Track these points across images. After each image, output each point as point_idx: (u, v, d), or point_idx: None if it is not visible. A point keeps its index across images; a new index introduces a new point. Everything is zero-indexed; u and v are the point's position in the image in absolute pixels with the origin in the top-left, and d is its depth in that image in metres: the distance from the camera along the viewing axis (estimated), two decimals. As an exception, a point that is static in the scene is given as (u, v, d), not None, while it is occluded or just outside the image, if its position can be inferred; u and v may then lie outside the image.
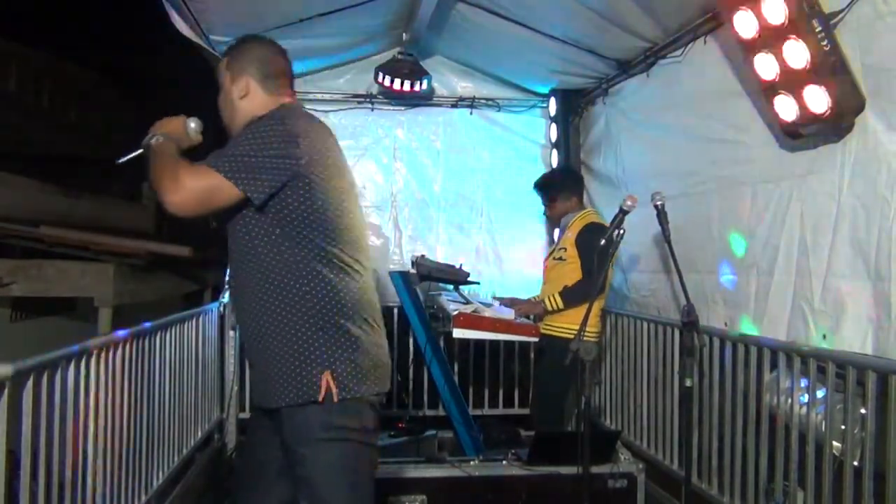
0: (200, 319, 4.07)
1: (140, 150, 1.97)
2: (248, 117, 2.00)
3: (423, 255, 4.09)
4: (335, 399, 1.84)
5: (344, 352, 1.88)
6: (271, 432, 1.98)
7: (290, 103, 2.07)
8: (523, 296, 4.13)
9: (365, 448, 1.94)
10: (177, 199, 1.78)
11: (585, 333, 2.84)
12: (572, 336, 2.80)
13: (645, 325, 3.95)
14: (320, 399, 1.84)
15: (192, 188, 1.79)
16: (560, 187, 4.05)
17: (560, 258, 3.87)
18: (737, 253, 3.27)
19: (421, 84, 4.49)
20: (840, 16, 2.48)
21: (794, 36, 2.46)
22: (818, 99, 2.47)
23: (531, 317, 3.99)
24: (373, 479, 2.02)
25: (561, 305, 3.69)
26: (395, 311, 4.70)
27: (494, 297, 4.20)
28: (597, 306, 3.69)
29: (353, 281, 1.94)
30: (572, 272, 3.73)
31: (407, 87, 4.44)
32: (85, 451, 2.46)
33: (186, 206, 1.80)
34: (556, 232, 4.81)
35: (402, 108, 5.07)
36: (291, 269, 1.88)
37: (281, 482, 2.01)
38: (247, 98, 2.05)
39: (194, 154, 1.97)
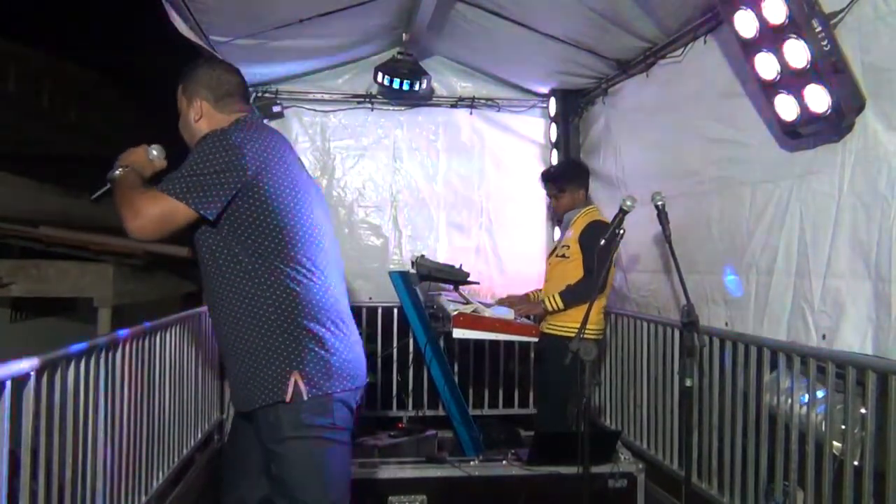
0: (200, 320, 4.07)
1: (108, 186, 2.05)
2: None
3: (422, 255, 4.09)
4: (304, 397, 1.92)
5: (310, 351, 1.95)
6: (252, 434, 2.05)
7: (244, 117, 2.12)
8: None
9: (337, 445, 2.00)
10: (136, 226, 1.86)
11: (587, 331, 2.84)
12: (574, 335, 2.80)
13: (645, 325, 3.95)
14: (288, 399, 1.91)
15: (149, 214, 1.86)
16: (571, 179, 3.98)
17: (563, 255, 3.84)
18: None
19: (421, 84, 4.49)
20: (840, 15, 2.48)
21: (794, 35, 2.46)
22: (818, 99, 2.47)
23: (531, 317, 3.99)
24: (348, 475, 2.09)
25: (561, 306, 3.68)
26: (395, 311, 4.71)
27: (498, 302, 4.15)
28: (598, 304, 3.68)
29: (314, 283, 2.00)
30: (575, 270, 3.72)
31: (406, 87, 4.44)
32: (85, 452, 2.46)
33: (146, 232, 1.87)
34: (557, 231, 4.82)
35: (402, 109, 5.06)
36: (252, 278, 1.95)
37: (262, 482, 2.07)
38: (202, 120, 2.12)
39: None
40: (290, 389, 1.91)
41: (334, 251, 2.15)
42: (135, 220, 1.85)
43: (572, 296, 3.64)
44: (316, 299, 1.99)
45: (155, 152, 2.15)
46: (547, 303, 3.72)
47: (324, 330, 1.98)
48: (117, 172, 2.01)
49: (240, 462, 2.17)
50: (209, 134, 1.99)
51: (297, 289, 1.96)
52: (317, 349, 1.96)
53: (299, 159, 2.20)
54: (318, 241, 2.05)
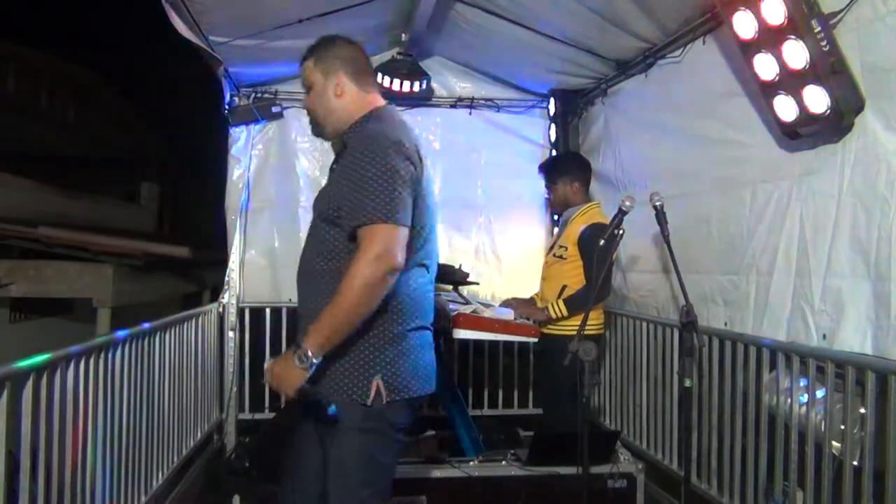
0: (200, 320, 4.07)
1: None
2: (345, 117, 2.09)
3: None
4: (384, 401, 1.95)
5: (394, 356, 1.98)
6: (313, 437, 2.07)
7: (388, 108, 2.15)
8: (523, 296, 4.12)
9: (394, 443, 2.05)
10: (386, 269, 1.84)
11: (588, 327, 2.83)
12: (574, 333, 2.80)
13: (644, 325, 3.96)
14: (370, 403, 1.94)
15: (382, 259, 1.84)
16: (563, 170, 3.94)
17: (560, 256, 3.79)
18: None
19: (420, 84, 4.48)
20: (839, 16, 2.48)
21: (793, 36, 2.46)
22: (818, 99, 2.47)
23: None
24: (393, 471, 2.12)
25: (565, 314, 3.63)
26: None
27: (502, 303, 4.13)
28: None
29: (412, 284, 2.03)
30: (571, 271, 3.69)
31: (406, 87, 4.43)
32: (84, 452, 2.46)
33: (395, 266, 1.86)
34: (556, 230, 4.81)
35: (401, 109, 4.95)
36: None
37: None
38: (345, 97, 2.10)
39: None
40: (373, 393, 1.94)
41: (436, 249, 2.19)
42: (379, 266, 1.83)
43: (577, 303, 3.59)
44: (412, 301, 2.02)
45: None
46: (551, 311, 3.67)
47: (412, 335, 2.02)
48: (306, 363, 1.88)
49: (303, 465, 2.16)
50: (375, 139, 1.96)
51: (399, 291, 1.97)
52: (402, 354, 1.99)
53: None
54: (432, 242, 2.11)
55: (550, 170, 4.03)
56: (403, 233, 1.90)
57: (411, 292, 2.03)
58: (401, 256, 1.87)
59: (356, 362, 1.96)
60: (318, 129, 2.20)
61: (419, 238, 2.03)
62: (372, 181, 1.89)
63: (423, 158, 2.09)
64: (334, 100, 2.10)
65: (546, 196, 4.21)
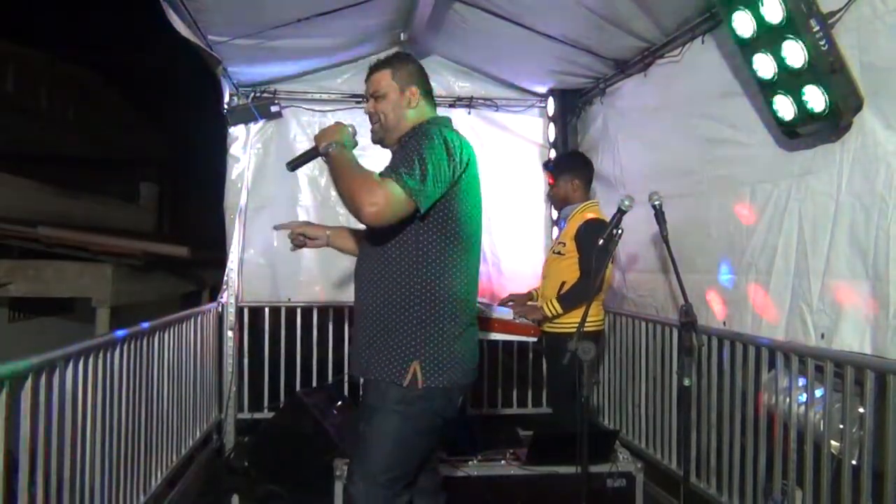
0: (199, 320, 4.07)
1: (307, 155, 2.30)
2: (411, 125, 2.28)
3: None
4: (419, 386, 2.11)
5: (435, 345, 2.13)
6: None
7: (445, 118, 2.36)
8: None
9: (428, 430, 2.18)
10: (373, 212, 1.99)
11: (587, 324, 2.83)
12: (574, 331, 2.79)
13: (643, 324, 3.96)
14: (405, 384, 2.10)
15: (388, 201, 2.00)
16: (563, 168, 3.98)
17: (559, 252, 3.80)
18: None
19: (419, 84, 4.48)
20: (838, 15, 2.48)
21: (792, 35, 2.46)
22: (817, 98, 2.48)
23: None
24: (420, 457, 2.23)
25: (560, 311, 3.63)
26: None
27: (501, 302, 4.14)
28: (597, 300, 3.67)
29: (459, 281, 2.17)
30: (569, 267, 3.70)
31: (405, 87, 4.43)
32: (83, 451, 2.46)
33: (383, 219, 2.02)
34: (555, 230, 4.82)
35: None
36: (416, 266, 2.14)
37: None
38: (415, 109, 2.31)
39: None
40: (409, 376, 2.10)
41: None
42: (372, 206, 1.96)
43: (570, 300, 3.60)
44: (457, 296, 2.17)
45: (350, 129, 2.26)
46: (546, 309, 3.67)
47: (453, 326, 2.16)
48: (331, 149, 2.15)
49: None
50: (429, 128, 2.16)
51: (443, 284, 2.14)
52: (442, 343, 2.13)
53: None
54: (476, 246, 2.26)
55: (551, 168, 4.11)
56: (407, 202, 2.01)
57: (458, 287, 2.17)
58: (394, 217, 2.02)
59: (398, 346, 2.13)
60: (381, 135, 2.35)
61: (470, 234, 2.20)
62: (412, 150, 2.07)
63: (473, 163, 2.23)
64: (407, 110, 2.29)
65: (547, 191, 4.24)
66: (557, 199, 4.03)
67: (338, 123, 2.26)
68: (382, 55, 2.41)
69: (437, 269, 2.14)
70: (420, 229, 2.12)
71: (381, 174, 2.06)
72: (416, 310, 2.12)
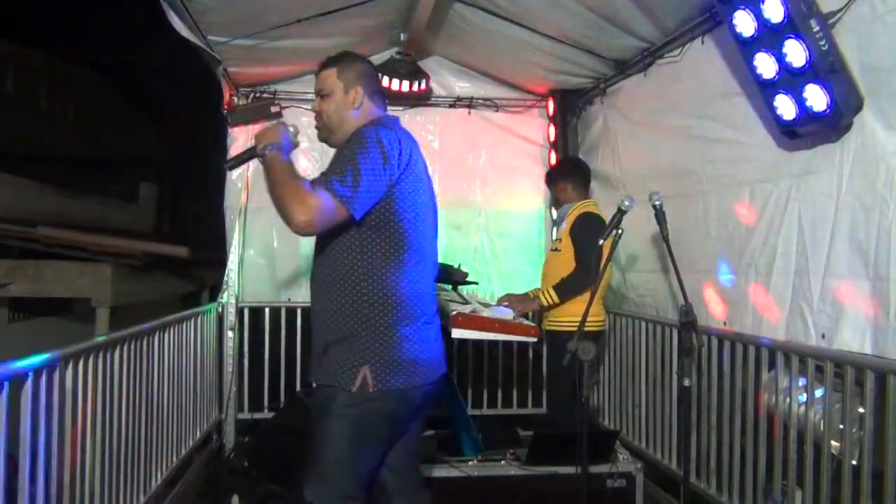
0: (199, 320, 4.07)
1: (243, 155, 2.25)
2: (354, 127, 2.21)
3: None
4: (370, 390, 2.07)
5: (387, 348, 2.09)
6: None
7: (389, 117, 2.32)
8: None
9: (381, 433, 2.15)
10: (303, 221, 1.96)
11: (588, 323, 2.83)
12: (575, 329, 2.79)
13: (643, 324, 3.96)
14: (354, 390, 2.07)
15: (318, 210, 1.98)
16: (559, 174, 4.08)
17: (556, 249, 3.87)
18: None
19: (419, 84, 4.48)
20: (838, 15, 2.48)
21: (792, 35, 2.46)
22: (817, 98, 2.47)
23: (531, 315, 3.97)
24: (375, 460, 2.20)
25: (556, 300, 3.65)
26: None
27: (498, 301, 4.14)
28: (597, 295, 3.67)
29: (408, 279, 2.14)
30: (566, 262, 3.71)
31: (405, 87, 4.44)
32: (83, 452, 2.46)
33: (313, 229, 2.04)
34: (555, 230, 4.82)
35: (400, 109, 5.04)
36: (361, 270, 2.11)
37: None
38: (359, 109, 2.26)
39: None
40: (359, 381, 2.07)
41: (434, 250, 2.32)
42: (303, 216, 1.94)
43: (566, 288, 3.62)
44: (407, 295, 2.14)
45: (292, 129, 2.21)
46: (542, 298, 3.69)
47: (405, 328, 2.12)
48: (268, 151, 2.07)
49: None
50: (366, 133, 2.11)
51: (402, 285, 2.12)
52: (391, 346, 2.10)
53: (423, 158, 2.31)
54: (423, 246, 2.21)
55: (549, 174, 4.24)
56: (338, 210, 1.99)
57: (406, 287, 2.13)
58: (324, 227, 2.02)
59: (349, 351, 2.09)
60: (326, 135, 2.31)
61: (416, 233, 2.15)
62: (346, 157, 2.05)
63: (418, 156, 2.21)
64: (350, 110, 2.25)
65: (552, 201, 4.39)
66: (556, 202, 4.18)
67: (279, 123, 2.21)
68: (333, 53, 2.34)
69: (384, 271, 2.11)
70: (363, 233, 2.10)
71: (313, 181, 2.04)
72: (364, 313, 2.09)
